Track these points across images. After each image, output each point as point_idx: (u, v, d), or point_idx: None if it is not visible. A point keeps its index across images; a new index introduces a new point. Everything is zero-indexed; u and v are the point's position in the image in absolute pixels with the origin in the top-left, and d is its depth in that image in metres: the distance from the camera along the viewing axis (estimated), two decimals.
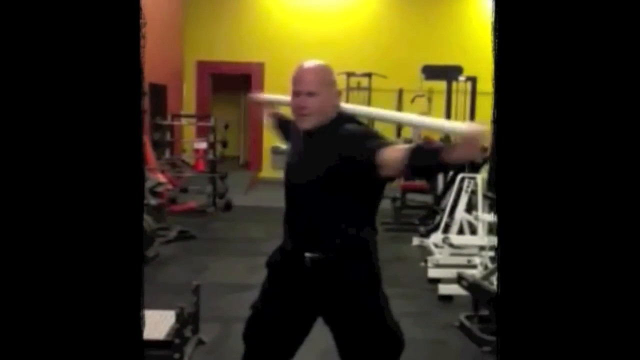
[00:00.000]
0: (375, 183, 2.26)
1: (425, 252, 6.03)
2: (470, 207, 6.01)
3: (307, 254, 2.27)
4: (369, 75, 10.73)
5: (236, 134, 13.34)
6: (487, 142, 1.82)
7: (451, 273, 4.86)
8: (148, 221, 5.60)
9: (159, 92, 9.44)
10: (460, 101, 8.83)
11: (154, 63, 8.22)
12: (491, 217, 5.28)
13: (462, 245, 5.51)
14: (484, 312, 4.07)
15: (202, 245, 6.53)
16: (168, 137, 8.63)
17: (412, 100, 10.24)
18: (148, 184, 6.38)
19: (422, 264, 5.64)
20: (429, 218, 7.50)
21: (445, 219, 6.16)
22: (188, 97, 11.77)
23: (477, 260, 5.18)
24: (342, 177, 2.20)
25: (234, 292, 4.88)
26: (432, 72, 8.92)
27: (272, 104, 2.97)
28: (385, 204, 7.79)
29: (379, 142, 2.15)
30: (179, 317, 3.33)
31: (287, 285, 2.36)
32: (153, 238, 5.78)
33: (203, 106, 11.80)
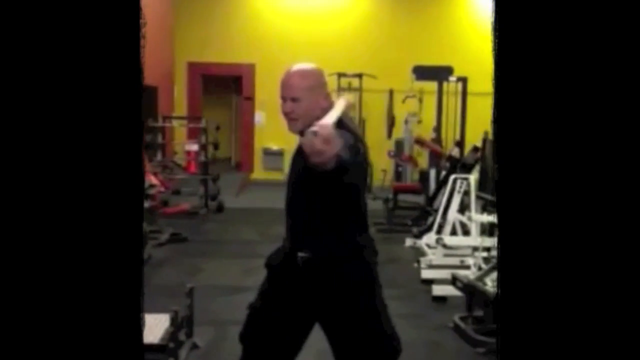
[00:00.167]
0: (349, 185, 2.20)
1: (418, 253, 6.04)
2: (463, 208, 6.02)
3: (299, 254, 2.28)
4: (359, 76, 10.75)
5: (227, 136, 13.32)
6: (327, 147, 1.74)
7: (444, 274, 4.87)
8: None
9: (149, 93, 9.41)
10: (451, 101, 8.86)
11: (145, 64, 8.18)
12: (484, 218, 5.29)
13: (455, 245, 5.51)
14: (478, 313, 4.07)
15: (195, 248, 6.51)
16: (159, 139, 8.61)
17: (403, 101, 10.27)
18: None
19: (415, 264, 5.64)
20: (421, 219, 7.50)
21: (438, 219, 6.17)
22: (179, 98, 11.74)
23: (470, 260, 5.18)
24: (314, 179, 2.13)
25: (228, 295, 4.86)
26: (422, 72, 8.95)
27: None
28: (377, 205, 7.87)
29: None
30: (174, 321, 3.31)
31: (285, 285, 2.36)
32: (145, 240, 5.76)
33: (194, 108, 11.78)
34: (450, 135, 8.96)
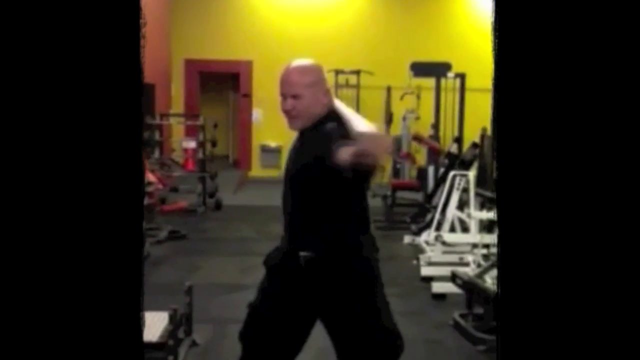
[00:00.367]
0: (350, 182, 2.17)
1: (417, 250, 6.04)
2: (462, 205, 6.01)
3: (302, 253, 2.26)
4: (357, 72, 10.74)
5: (225, 133, 13.31)
6: (386, 150, 1.74)
7: (444, 271, 4.86)
8: None
9: (147, 91, 9.38)
10: (449, 98, 8.85)
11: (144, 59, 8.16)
12: (483, 215, 5.29)
13: (454, 242, 5.51)
14: (478, 310, 4.06)
15: (193, 245, 6.51)
16: (157, 136, 8.59)
17: (401, 98, 10.25)
18: None
19: (414, 262, 5.63)
20: (420, 216, 7.49)
21: (436, 216, 6.16)
22: (176, 96, 11.72)
23: (469, 257, 5.18)
24: (315, 177, 2.20)
25: (227, 293, 4.85)
26: (420, 69, 8.92)
27: None
28: (376, 202, 7.85)
29: (342, 141, 2.06)
30: (172, 319, 3.30)
31: (285, 284, 2.34)
32: (143, 238, 5.74)
33: (192, 105, 11.75)
34: (448, 131, 8.95)
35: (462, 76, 8.41)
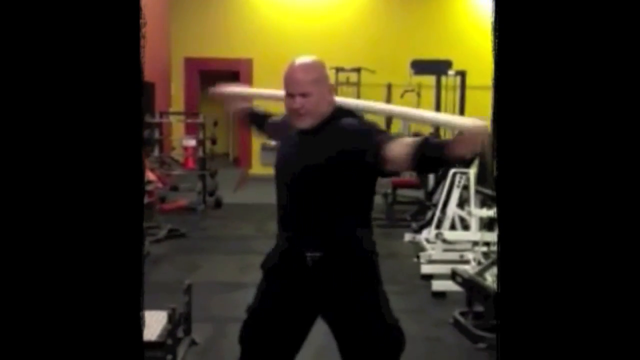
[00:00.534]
0: (370, 178, 2.27)
1: (418, 248, 6.03)
2: (462, 202, 6.00)
3: (309, 254, 2.23)
4: (357, 70, 10.73)
5: (225, 131, 13.29)
6: (487, 138, 1.82)
7: (444, 269, 4.85)
8: None
9: (146, 89, 9.38)
10: (450, 96, 8.84)
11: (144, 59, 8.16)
12: (483, 212, 5.28)
13: (455, 240, 5.49)
14: (478, 308, 4.06)
15: (193, 244, 6.50)
16: (157, 134, 8.58)
17: (402, 95, 10.25)
18: None
19: (415, 259, 5.63)
20: (420, 214, 7.49)
21: (437, 214, 6.15)
22: (176, 94, 11.71)
23: (470, 255, 5.17)
24: (344, 173, 2.21)
25: (227, 292, 4.85)
26: (421, 66, 8.91)
27: (244, 96, 2.93)
28: (376, 200, 7.79)
29: (384, 136, 2.18)
30: (171, 318, 3.30)
31: (286, 286, 2.31)
32: (143, 237, 5.74)
33: (191, 103, 11.75)
34: (449, 129, 8.94)
35: (462, 74, 8.41)
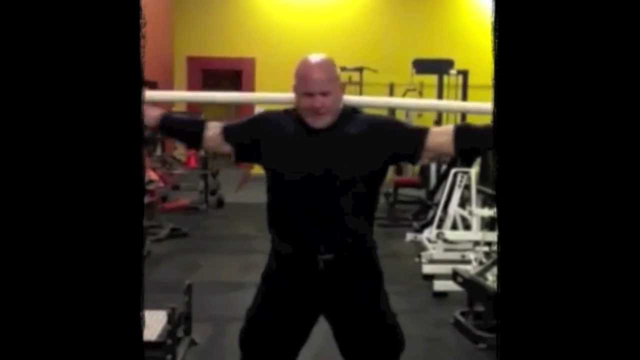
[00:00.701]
0: (383, 177, 2.31)
1: (419, 247, 6.02)
2: (464, 202, 6.00)
3: (321, 256, 2.19)
4: (360, 69, 10.72)
5: None
6: None
7: (445, 269, 4.84)
8: None
9: (149, 88, 9.38)
10: (452, 95, 8.82)
11: (144, 59, 8.17)
12: (485, 212, 5.27)
13: (456, 240, 5.48)
14: (479, 308, 4.05)
15: (194, 243, 6.50)
16: (159, 134, 8.56)
17: (404, 95, 10.23)
18: None
19: (416, 259, 5.62)
20: (422, 213, 7.47)
21: (438, 214, 6.14)
22: None
23: (471, 255, 5.16)
24: (368, 172, 2.23)
25: (228, 292, 4.84)
26: (423, 66, 8.89)
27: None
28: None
29: (414, 127, 2.39)
30: (171, 318, 3.29)
31: (291, 291, 2.27)
32: (144, 236, 5.74)
33: (194, 102, 11.73)
34: None
35: (464, 73, 8.39)
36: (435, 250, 5.41)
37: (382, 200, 7.72)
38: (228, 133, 2.37)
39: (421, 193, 8.22)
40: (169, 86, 11.15)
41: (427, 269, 5.22)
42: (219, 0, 11.64)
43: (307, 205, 2.21)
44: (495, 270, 3.95)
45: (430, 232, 5.93)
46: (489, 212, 5.16)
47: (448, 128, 2.24)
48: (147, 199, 6.56)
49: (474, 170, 5.91)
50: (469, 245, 5.42)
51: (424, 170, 8.56)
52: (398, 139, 2.25)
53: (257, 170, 10.46)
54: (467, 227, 5.77)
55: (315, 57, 2.23)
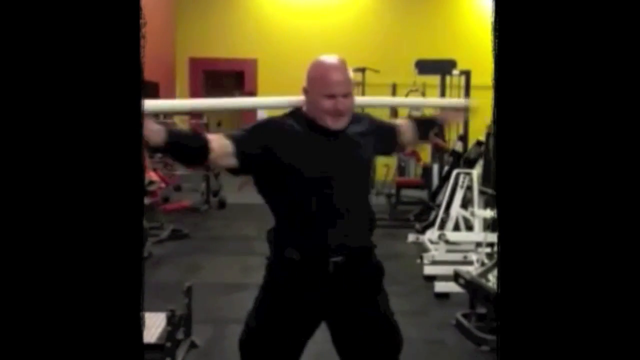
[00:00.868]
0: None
1: (421, 248, 6.00)
2: (466, 203, 5.98)
3: (333, 259, 2.15)
4: (362, 70, 10.71)
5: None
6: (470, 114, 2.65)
7: (447, 270, 4.82)
8: None
9: (151, 89, 9.37)
10: (454, 95, 8.80)
11: (146, 60, 8.17)
12: (487, 213, 5.25)
13: (458, 241, 5.47)
14: (481, 310, 4.03)
15: (195, 245, 6.49)
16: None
17: (406, 95, 10.23)
18: None
19: (418, 260, 5.60)
20: (424, 214, 7.46)
21: (440, 215, 6.12)
22: (181, 94, 11.71)
23: (473, 256, 5.14)
24: (369, 170, 2.44)
25: (228, 293, 4.83)
26: (425, 66, 8.87)
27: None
28: (380, 200, 7.82)
29: (390, 123, 2.67)
30: (170, 320, 3.27)
31: (296, 300, 2.21)
32: (145, 237, 5.74)
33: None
34: (453, 129, 8.91)
35: (467, 73, 8.38)
36: (437, 252, 5.39)
37: (384, 201, 7.76)
38: (234, 140, 2.15)
39: (423, 194, 8.22)
40: (171, 87, 11.16)
41: (429, 270, 5.21)
42: (221, 1, 11.64)
43: (329, 206, 2.16)
44: (496, 271, 3.93)
45: (432, 233, 5.92)
46: (491, 213, 5.15)
47: (406, 121, 2.72)
48: (148, 200, 6.56)
49: (476, 172, 5.90)
50: (471, 247, 5.40)
51: (426, 171, 8.56)
52: (384, 135, 2.48)
53: None
54: (469, 228, 5.75)
55: (331, 59, 2.19)
